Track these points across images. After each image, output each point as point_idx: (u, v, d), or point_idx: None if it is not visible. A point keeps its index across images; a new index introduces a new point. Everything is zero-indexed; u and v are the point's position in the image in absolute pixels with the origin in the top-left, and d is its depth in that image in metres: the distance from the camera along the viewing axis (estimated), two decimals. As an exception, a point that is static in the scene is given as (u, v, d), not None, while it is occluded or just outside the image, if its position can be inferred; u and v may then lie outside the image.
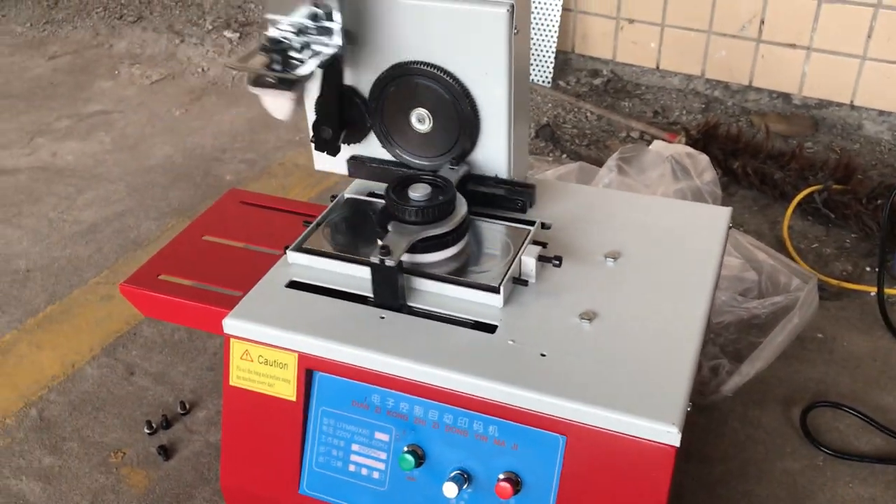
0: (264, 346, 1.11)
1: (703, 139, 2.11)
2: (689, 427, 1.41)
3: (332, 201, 1.31)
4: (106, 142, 2.36)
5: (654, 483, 0.96)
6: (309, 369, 1.10)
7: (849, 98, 2.25)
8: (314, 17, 1.14)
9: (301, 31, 1.13)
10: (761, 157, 2.05)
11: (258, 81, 1.12)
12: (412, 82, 1.23)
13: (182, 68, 2.76)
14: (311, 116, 1.29)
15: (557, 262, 1.15)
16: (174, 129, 2.41)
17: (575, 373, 1.01)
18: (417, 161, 1.29)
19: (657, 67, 2.48)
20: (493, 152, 1.25)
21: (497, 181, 1.28)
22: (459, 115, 1.23)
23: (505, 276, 1.11)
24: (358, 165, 1.33)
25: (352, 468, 1.11)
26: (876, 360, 1.58)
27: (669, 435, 0.94)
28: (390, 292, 1.10)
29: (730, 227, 1.28)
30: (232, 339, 1.12)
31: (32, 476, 1.39)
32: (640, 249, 1.21)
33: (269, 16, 1.13)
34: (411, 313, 1.11)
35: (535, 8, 2.49)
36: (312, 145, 1.29)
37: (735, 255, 1.65)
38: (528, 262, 1.14)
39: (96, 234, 1.97)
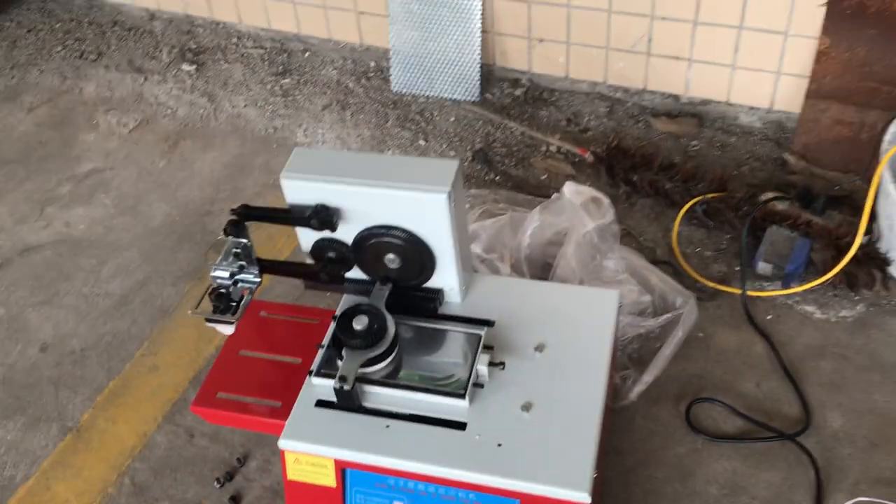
0: (309, 455, 1.62)
1: (608, 156, 2.58)
2: (609, 427, 1.97)
3: (334, 322, 1.79)
4: (108, 205, 2.75)
5: (576, 527, 1.52)
6: (343, 468, 1.62)
7: (725, 97, 2.72)
8: (241, 268, 1.72)
9: (233, 275, 1.72)
10: (654, 169, 2.53)
11: (210, 320, 1.70)
12: (382, 238, 1.69)
13: (153, 111, 3.09)
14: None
15: (502, 367, 1.66)
16: (163, 184, 2.80)
17: (522, 457, 1.53)
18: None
19: (567, 76, 2.89)
20: (447, 279, 1.73)
21: (413, 289, 1.75)
22: (419, 257, 1.70)
23: (468, 384, 1.62)
24: (314, 283, 1.81)
25: (380, 525, 1.65)
26: (740, 352, 2.14)
27: (582, 496, 1.49)
28: (349, 403, 1.61)
29: (620, 306, 1.78)
30: (286, 452, 1.63)
31: (142, 532, 1.92)
32: (558, 339, 1.71)
33: (211, 265, 1.71)
34: (392, 416, 1.60)
35: (456, 29, 2.87)
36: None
37: (632, 283, 2.17)
38: (482, 369, 1.64)
39: (128, 307, 2.42)
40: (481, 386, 1.65)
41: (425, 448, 1.56)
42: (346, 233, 1.70)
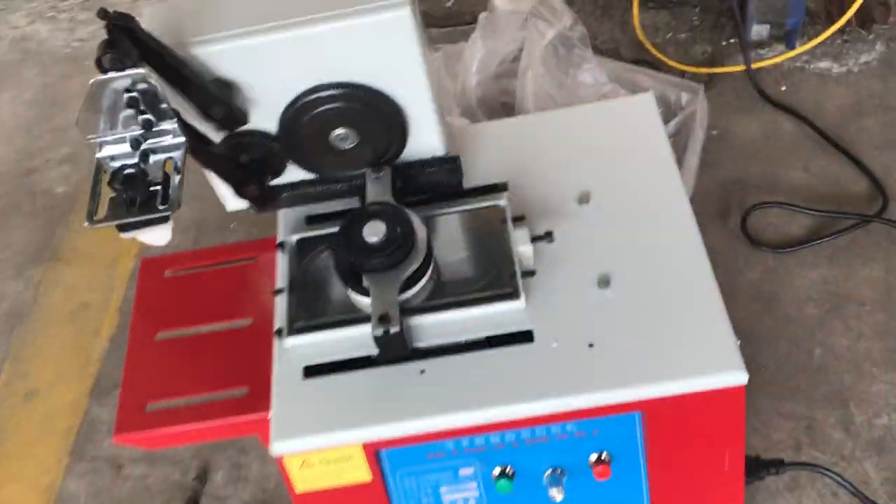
0: (321, 451, 1.08)
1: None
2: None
3: (280, 249, 1.21)
4: None
5: (733, 421, 1.07)
6: (376, 451, 1.09)
7: None
8: (146, 125, 0.96)
9: (138, 142, 0.96)
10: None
11: (126, 228, 0.95)
12: (323, 108, 1.11)
13: None
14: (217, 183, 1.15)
15: (550, 238, 1.15)
16: (-48, 152, 2.07)
17: (627, 353, 1.05)
18: (349, 174, 1.20)
19: None
20: (426, 141, 1.18)
21: (423, 164, 1.21)
22: (383, 119, 1.13)
23: (515, 276, 1.10)
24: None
25: (446, 507, 1.15)
26: (768, 139, 1.72)
27: (738, 376, 1.02)
28: (399, 351, 1.08)
29: (661, 109, 1.30)
30: (285, 458, 1.08)
31: None
32: (602, 180, 1.22)
33: (91, 139, 0.95)
34: (437, 354, 1.09)
35: None
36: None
37: (623, 92, 1.68)
38: (525, 251, 1.13)
39: (-38, 324, 1.75)
40: (532, 273, 1.13)
41: (486, 384, 1.06)
42: (264, 118, 1.11)
